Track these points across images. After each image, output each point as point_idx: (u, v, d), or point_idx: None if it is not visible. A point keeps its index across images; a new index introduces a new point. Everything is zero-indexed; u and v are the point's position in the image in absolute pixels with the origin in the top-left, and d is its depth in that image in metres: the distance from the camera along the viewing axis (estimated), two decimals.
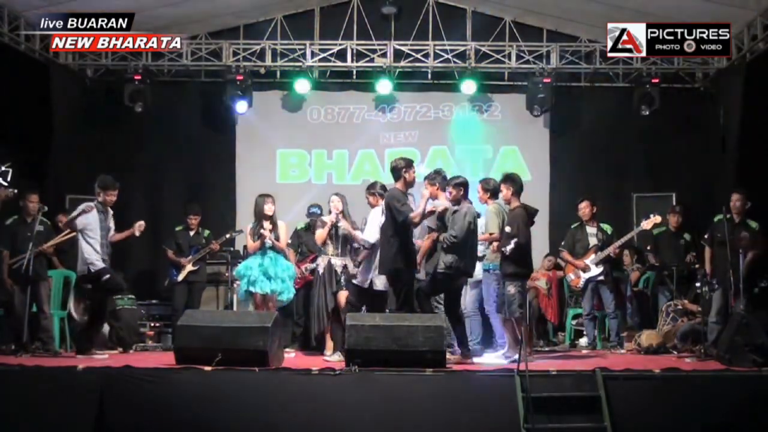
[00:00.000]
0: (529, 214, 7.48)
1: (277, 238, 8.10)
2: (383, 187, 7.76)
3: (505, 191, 7.51)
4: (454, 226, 7.07)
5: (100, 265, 7.56)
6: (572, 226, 8.99)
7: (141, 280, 10.65)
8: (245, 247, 8.77)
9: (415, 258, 7.32)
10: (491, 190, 7.69)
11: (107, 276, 7.58)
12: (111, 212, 7.84)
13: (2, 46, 9.83)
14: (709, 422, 5.89)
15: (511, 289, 7.30)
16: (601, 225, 8.86)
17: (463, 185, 7.31)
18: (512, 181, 7.54)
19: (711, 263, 8.10)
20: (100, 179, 7.77)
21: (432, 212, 7.19)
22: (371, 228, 7.49)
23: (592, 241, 8.72)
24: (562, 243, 8.96)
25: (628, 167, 11.36)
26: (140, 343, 9.05)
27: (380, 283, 7.44)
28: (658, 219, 8.73)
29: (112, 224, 7.83)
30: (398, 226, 6.96)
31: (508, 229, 7.30)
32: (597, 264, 8.59)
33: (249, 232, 8.18)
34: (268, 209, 8.08)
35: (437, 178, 7.60)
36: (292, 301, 8.37)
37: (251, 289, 7.88)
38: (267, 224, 8.03)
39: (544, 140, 11.60)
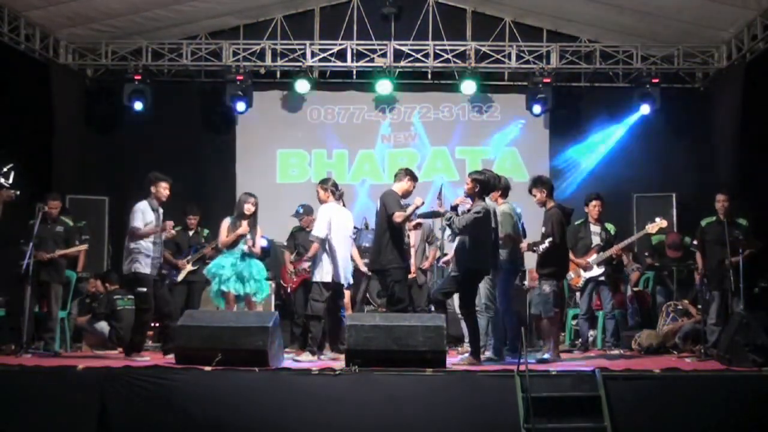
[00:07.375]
0: (565, 213, 7.48)
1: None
2: (335, 185, 7.77)
3: (539, 195, 7.53)
4: (462, 217, 6.97)
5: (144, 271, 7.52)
6: (575, 223, 8.79)
7: None
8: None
9: (405, 254, 7.50)
10: (502, 189, 7.66)
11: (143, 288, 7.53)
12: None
13: (2, 46, 9.83)
14: (709, 422, 5.88)
15: (547, 288, 7.32)
16: (606, 224, 8.80)
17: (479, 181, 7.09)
18: (543, 183, 7.58)
19: (704, 267, 8.07)
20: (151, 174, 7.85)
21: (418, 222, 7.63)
22: (321, 223, 7.47)
23: (595, 240, 8.64)
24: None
25: (628, 167, 11.35)
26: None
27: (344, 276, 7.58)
28: (664, 223, 8.61)
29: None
30: (392, 223, 7.23)
31: (543, 228, 7.32)
32: (599, 264, 8.56)
33: (225, 227, 8.04)
34: (247, 209, 7.99)
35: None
36: (290, 301, 8.28)
37: (223, 288, 7.83)
38: (245, 223, 7.94)
39: (544, 140, 11.61)
